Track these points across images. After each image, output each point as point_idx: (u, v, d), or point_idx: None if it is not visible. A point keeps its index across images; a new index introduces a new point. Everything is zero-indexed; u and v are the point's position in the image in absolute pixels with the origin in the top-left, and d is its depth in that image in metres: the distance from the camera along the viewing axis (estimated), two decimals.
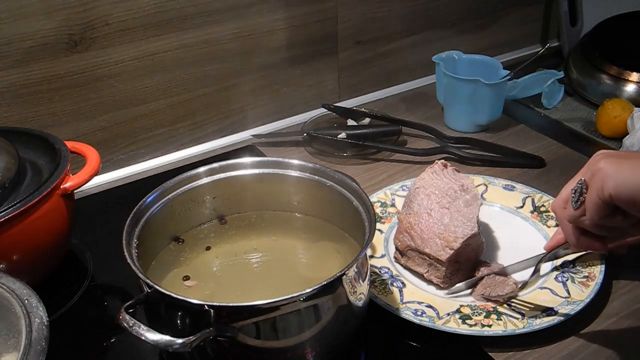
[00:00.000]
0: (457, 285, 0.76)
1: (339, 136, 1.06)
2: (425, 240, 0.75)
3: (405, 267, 0.80)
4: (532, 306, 0.72)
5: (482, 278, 0.76)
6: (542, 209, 0.88)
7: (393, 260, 0.81)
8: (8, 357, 0.53)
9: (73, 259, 0.84)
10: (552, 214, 0.86)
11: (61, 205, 0.74)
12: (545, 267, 0.79)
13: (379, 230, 0.85)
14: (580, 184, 0.60)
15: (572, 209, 0.61)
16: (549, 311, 0.71)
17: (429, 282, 0.77)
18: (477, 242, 0.76)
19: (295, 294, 0.56)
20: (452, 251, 0.73)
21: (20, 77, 0.90)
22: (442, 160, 0.85)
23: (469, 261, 0.77)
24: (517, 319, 0.71)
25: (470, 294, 0.76)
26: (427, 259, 0.76)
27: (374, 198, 0.90)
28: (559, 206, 0.64)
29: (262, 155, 1.06)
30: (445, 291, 0.76)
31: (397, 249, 0.80)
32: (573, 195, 0.61)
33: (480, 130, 1.11)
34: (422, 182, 0.81)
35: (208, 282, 0.70)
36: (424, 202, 0.79)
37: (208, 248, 0.74)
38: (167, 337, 0.54)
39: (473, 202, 0.78)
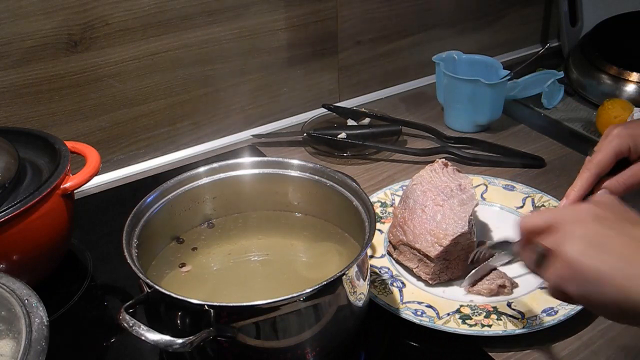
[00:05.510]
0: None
1: (339, 136, 1.06)
2: (417, 235, 0.76)
3: (397, 262, 0.80)
4: (532, 306, 0.72)
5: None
6: (542, 209, 0.88)
7: (387, 254, 0.81)
8: (7, 357, 0.53)
9: (73, 259, 0.84)
10: None
11: (61, 205, 0.74)
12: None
13: (379, 230, 0.85)
14: (541, 252, 0.54)
15: (531, 265, 0.56)
16: (549, 311, 0.71)
17: (419, 277, 0.78)
18: (467, 241, 0.76)
19: (295, 294, 0.56)
20: (441, 248, 0.74)
21: (20, 77, 0.90)
22: (443, 159, 0.85)
23: (459, 260, 0.77)
24: (517, 319, 0.71)
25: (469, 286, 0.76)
26: (418, 254, 0.76)
27: (374, 198, 0.90)
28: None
29: (262, 155, 1.05)
30: (444, 287, 0.76)
31: (390, 242, 0.81)
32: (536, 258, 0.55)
33: (480, 130, 1.11)
34: (420, 179, 0.82)
35: (208, 282, 0.70)
36: (420, 198, 0.79)
37: (208, 248, 0.74)
38: (167, 337, 0.54)
39: (468, 202, 0.78)
